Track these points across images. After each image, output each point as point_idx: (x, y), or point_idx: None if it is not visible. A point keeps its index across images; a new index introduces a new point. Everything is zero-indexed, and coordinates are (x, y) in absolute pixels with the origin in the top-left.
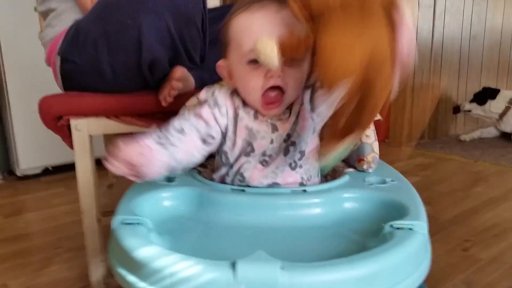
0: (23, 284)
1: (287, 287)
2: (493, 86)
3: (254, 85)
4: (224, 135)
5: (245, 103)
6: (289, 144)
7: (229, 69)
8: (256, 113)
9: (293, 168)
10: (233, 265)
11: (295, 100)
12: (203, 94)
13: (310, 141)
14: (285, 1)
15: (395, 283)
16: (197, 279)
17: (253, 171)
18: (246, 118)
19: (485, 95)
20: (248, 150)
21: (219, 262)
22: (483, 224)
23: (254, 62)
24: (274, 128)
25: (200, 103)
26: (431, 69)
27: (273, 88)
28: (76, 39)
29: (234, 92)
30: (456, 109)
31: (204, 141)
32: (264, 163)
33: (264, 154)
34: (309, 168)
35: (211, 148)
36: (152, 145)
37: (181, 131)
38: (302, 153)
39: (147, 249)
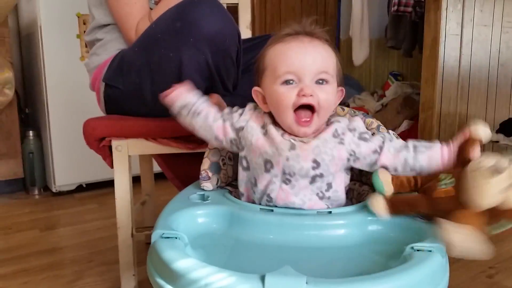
0: None
1: None
2: None
3: (287, 103)
4: (242, 146)
5: (274, 123)
6: (317, 175)
7: (263, 94)
8: (284, 133)
9: (320, 198)
10: (262, 278)
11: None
12: (249, 105)
13: (338, 176)
14: (316, 35)
15: None
16: None
17: (279, 192)
18: (272, 134)
19: (511, 125)
20: (268, 166)
21: (250, 275)
22: (509, 252)
23: (288, 83)
24: (292, 147)
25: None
26: (458, 96)
27: (305, 107)
28: (121, 68)
29: (265, 114)
30: None
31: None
32: (287, 181)
33: (284, 172)
34: (337, 201)
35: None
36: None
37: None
38: (329, 185)
39: (184, 261)
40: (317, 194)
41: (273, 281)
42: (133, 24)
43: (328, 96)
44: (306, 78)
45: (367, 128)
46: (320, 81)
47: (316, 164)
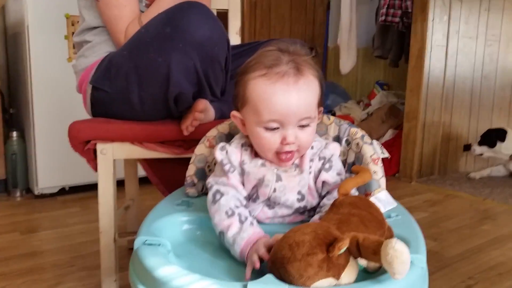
0: None
1: None
2: (504, 125)
3: (269, 147)
4: None
5: (254, 154)
6: (301, 207)
7: (243, 121)
8: (264, 162)
9: (301, 214)
10: (245, 287)
11: (303, 157)
12: (219, 154)
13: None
14: (300, 69)
15: None
16: None
17: (260, 213)
18: (252, 171)
19: (491, 137)
20: (254, 196)
21: (232, 283)
22: (488, 262)
23: (270, 129)
24: (279, 178)
25: (222, 169)
26: (442, 106)
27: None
28: (109, 71)
29: (244, 144)
30: (467, 147)
31: (245, 205)
32: (270, 207)
33: (269, 199)
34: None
35: None
36: (254, 229)
37: (237, 206)
38: (313, 209)
39: (166, 269)
40: (294, 213)
41: None
42: (123, 27)
43: (309, 137)
44: (290, 124)
45: (351, 138)
46: (302, 125)
47: (301, 196)
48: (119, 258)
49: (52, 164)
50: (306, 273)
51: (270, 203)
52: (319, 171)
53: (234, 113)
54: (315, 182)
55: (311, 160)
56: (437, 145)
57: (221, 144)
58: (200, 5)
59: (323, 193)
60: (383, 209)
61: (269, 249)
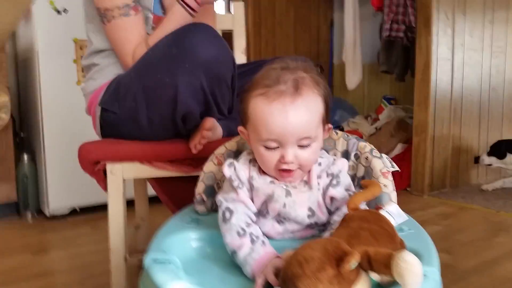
0: None
1: None
2: None
3: (269, 164)
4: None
5: (262, 171)
6: (312, 223)
7: (248, 136)
8: (273, 180)
9: (311, 228)
10: None
11: (310, 173)
12: (227, 171)
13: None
14: (299, 88)
15: None
16: None
17: (270, 229)
18: (261, 187)
19: (501, 148)
20: (264, 212)
21: None
22: (504, 275)
23: (270, 148)
24: (288, 194)
25: (231, 185)
26: (451, 119)
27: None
28: (117, 92)
29: (252, 160)
30: (478, 159)
31: (255, 222)
32: (280, 222)
33: (279, 215)
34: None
35: None
36: (266, 249)
37: (248, 224)
38: (323, 224)
39: (177, 285)
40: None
41: None
42: (130, 50)
43: (310, 156)
44: (288, 144)
45: (360, 152)
46: (303, 145)
47: (311, 212)
48: (130, 277)
49: (62, 185)
50: None
51: (280, 218)
52: (327, 187)
53: (240, 128)
54: (324, 198)
55: (319, 177)
56: (448, 158)
57: (229, 160)
58: (206, 26)
59: (332, 209)
60: (394, 223)
61: (279, 272)
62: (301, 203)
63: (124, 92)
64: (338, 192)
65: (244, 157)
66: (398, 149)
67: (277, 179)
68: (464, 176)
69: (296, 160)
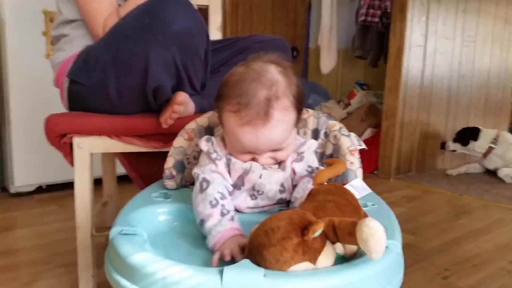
0: None
1: None
2: (480, 124)
3: (242, 159)
4: None
5: None
6: (282, 199)
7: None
8: None
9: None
10: (221, 272)
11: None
12: (204, 145)
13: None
14: (269, 113)
15: None
16: (187, 284)
17: (241, 203)
18: (238, 162)
19: (465, 135)
20: (239, 184)
21: (208, 268)
22: (463, 255)
23: (243, 152)
24: (264, 168)
25: (209, 157)
26: (420, 105)
27: None
28: (86, 63)
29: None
30: (444, 145)
31: (230, 193)
32: (253, 197)
33: (253, 188)
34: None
35: None
36: (232, 225)
37: (224, 195)
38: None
39: (140, 255)
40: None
41: (231, 274)
42: (101, 20)
43: (284, 153)
44: (261, 153)
45: (329, 130)
46: (276, 150)
47: (283, 188)
48: (97, 256)
49: (28, 162)
50: (282, 258)
51: (254, 192)
52: (292, 162)
53: (216, 117)
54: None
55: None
56: (415, 143)
57: (206, 136)
58: None
59: (294, 183)
60: (358, 196)
61: (243, 249)
62: (276, 179)
63: (93, 63)
64: (299, 166)
65: (221, 135)
66: (368, 133)
67: None
68: (430, 161)
69: (272, 159)
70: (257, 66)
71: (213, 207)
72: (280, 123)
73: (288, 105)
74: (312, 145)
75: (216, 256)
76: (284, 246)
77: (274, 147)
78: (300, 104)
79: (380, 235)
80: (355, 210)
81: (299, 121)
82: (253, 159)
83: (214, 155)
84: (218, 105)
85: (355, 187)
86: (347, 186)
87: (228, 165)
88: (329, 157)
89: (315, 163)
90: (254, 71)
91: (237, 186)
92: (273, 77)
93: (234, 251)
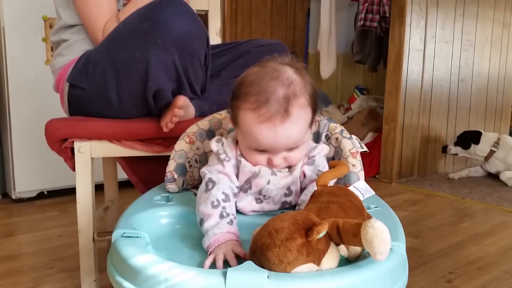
0: None
1: None
2: (481, 128)
3: (257, 162)
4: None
5: None
6: (286, 202)
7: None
8: None
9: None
10: (224, 274)
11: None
12: (214, 145)
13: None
14: (289, 111)
15: None
16: (190, 285)
17: (246, 205)
18: (248, 164)
19: (466, 139)
20: (246, 187)
21: (211, 270)
22: (467, 258)
23: (258, 150)
24: (273, 173)
25: (217, 158)
26: (420, 109)
27: None
28: (86, 68)
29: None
30: (445, 149)
31: (235, 195)
32: (258, 201)
33: (260, 193)
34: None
35: None
36: (229, 229)
37: (227, 198)
38: (294, 207)
39: (143, 257)
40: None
41: (235, 276)
42: (101, 25)
43: (298, 155)
44: (277, 152)
45: (331, 133)
46: (291, 149)
47: (289, 191)
48: (99, 260)
49: (30, 168)
50: (285, 259)
51: (260, 197)
52: (303, 165)
53: (229, 118)
54: (300, 176)
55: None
56: (416, 147)
57: (217, 137)
58: (179, 1)
59: (303, 186)
60: (361, 197)
61: (237, 255)
62: (283, 185)
63: (93, 67)
64: (309, 169)
65: (231, 137)
66: (369, 137)
67: None
68: (432, 164)
69: (285, 161)
70: (273, 65)
71: (214, 208)
72: (298, 121)
73: (305, 104)
74: (323, 149)
75: (208, 261)
76: (288, 247)
77: (290, 145)
78: (315, 104)
79: (385, 236)
80: (359, 212)
81: (313, 122)
82: (268, 161)
83: (223, 156)
84: (233, 104)
85: (358, 188)
86: (350, 188)
87: (237, 167)
88: (331, 159)
89: (325, 167)
90: (271, 70)
91: (243, 189)
92: (290, 76)
93: (228, 255)
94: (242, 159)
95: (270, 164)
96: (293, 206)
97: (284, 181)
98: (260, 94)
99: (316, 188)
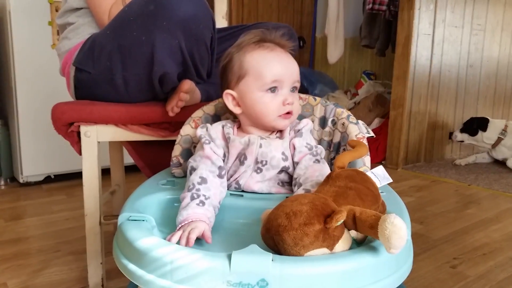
0: (22, 283)
1: (278, 277)
2: (488, 114)
3: (272, 109)
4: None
5: (238, 130)
6: (285, 167)
7: (239, 98)
8: (249, 135)
9: (282, 186)
10: (229, 256)
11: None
12: (199, 131)
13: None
14: (283, 46)
15: (376, 280)
16: (195, 267)
17: (249, 180)
18: (237, 138)
19: (473, 126)
20: (242, 159)
21: (216, 253)
22: (472, 244)
23: (272, 90)
24: (262, 138)
25: (200, 143)
26: (428, 95)
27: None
28: (92, 51)
29: (225, 125)
30: (452, 135)
31: (220, 175)
32: (258, 170)
33: (256, 161)
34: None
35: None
36: (195, 210)
37: (203, 180)
38: (290, 177)
39: (148, 240)
40: (278, 183)
41: (240, 258)
42: (107, 8)
43: (297, 103)
44: (286, 86)
45: (337, 118)
46: (293, 89)
47: (285, 156)
48: (105, 243)
49: (37, 152)
50: (301, 242)
51: (258, 165)
52: (291, 139)
53: (228, 91)
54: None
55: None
56: (423, 132)
57: (203, 124)
58: None
59: (294, 159)
60: (379, 184)
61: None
62: (276, 147)
63: (98, 50)
64: (298, 141)
65: (217, 123)
66: (376, 123)
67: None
68: (439, 151)
69: (293, 103)
70: (264, 31)
71: (189, 190)
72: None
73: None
74: (308, 123)
75: (175, 236)
76: (305, 231)
77: (296, 76)
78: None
79: (403, 233)
80: (375, 199)
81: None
82: (283, 102)
83: (203, 139)
84: (232, 58)
85: (376, 175)
86: (368, 173)
87: (227, 143)
88: (337, 145)
89: (313, 141)
90: (263, 31)
91: (240, 162)
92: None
93: (184, 233)
94: (231, 135)
95: (284, 104)
96: (288, 183)
97: (275, 142)
98: (263, 32)
99: (312, 163)
